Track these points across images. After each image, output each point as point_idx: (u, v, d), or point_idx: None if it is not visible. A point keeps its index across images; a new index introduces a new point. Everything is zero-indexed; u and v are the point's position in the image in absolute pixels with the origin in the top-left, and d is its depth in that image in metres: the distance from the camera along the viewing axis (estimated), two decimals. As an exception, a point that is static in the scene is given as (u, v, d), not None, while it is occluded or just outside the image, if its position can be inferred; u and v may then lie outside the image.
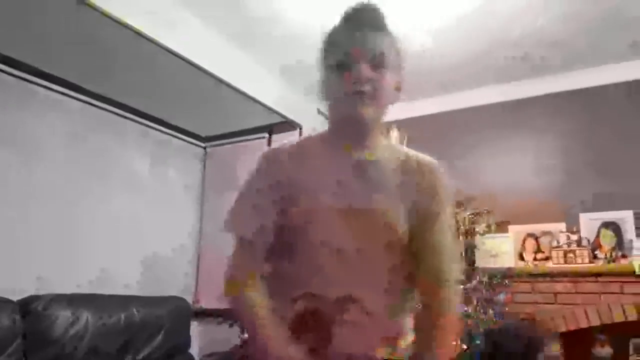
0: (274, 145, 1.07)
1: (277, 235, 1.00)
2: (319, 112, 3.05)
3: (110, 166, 3.31)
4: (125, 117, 3.45)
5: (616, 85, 3.17)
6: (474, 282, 2.55)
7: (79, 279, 2.90)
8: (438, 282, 1.02)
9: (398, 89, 1.02)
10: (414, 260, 1.01)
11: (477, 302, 2.53)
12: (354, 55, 0.95)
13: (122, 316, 2.80)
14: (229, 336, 3.04)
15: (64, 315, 2.53)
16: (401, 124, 2.72)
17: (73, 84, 3.08)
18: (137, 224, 3.42)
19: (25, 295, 2.51)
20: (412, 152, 1.09)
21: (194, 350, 3.26)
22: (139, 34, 2.41)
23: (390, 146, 1.09)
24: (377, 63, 0.96)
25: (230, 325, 3.04)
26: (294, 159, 1.02)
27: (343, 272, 0.94)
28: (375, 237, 0.97)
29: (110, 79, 3.11)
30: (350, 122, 0.99)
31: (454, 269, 1.04)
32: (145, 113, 3.59)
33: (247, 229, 1.00)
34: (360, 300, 0.94)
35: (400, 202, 0.99)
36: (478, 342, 2.40)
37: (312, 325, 0.93)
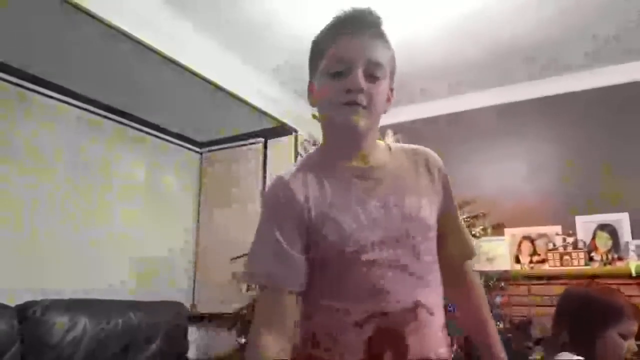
0: (282, 173, 1.00)
1: (309, 268, 0.94)
2: (314, 117, 3.06)
3: (107, 172, 3.32)
4: (122, 123, 3.47)
5: (609, 89, 3.20)
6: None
7: (77, 284, 2.90)
8: (465, 256, 1.12)
9: (389, 99, 1.00)
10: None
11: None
12: (350, 64, 0.91)
13: (120, 321, 2.80)
14: (227, 341, 3.04)
15: (61, 321, 2.54)
16: (396, 128, 2.73)
17: (69, 91, 3.10)
18: (135, 229, 3.43)
19: (23, 300, 2.52)
20: (406, 146, 1.09)
21: (191, 355, 3.26)
22: (133, 39, 2.43)
23: (388, 147, 1.06)
24: (373, 73, 0.92)
25: (228, 330, 3.05)
26: (304, 186, 0.96)
27: (399, 283, 0.92)
28: (414, 238, 0.95)
29: (106, 86, 3.13)
30: (345, 132, 0.95)
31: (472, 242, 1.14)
32: (141, 119, 3.61)
33: (270, 276, 0.92)
34: (424, 304, 0.93)
35: (422, 196, 0.99)
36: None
37: (388, 342, 0.90)
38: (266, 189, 1.01)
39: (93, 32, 2.43)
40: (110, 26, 2.31)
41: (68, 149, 3.08)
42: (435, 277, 0.98)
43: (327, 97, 0.94)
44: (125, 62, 2.82)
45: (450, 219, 1.06)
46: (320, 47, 0.97)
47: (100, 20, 2.26)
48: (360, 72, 0.90)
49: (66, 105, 3.09)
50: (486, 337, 1.09)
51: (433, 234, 0.99)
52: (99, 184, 3.25)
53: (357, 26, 0.93)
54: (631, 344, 1.41)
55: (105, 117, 3.33)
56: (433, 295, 0.96)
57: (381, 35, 0.96)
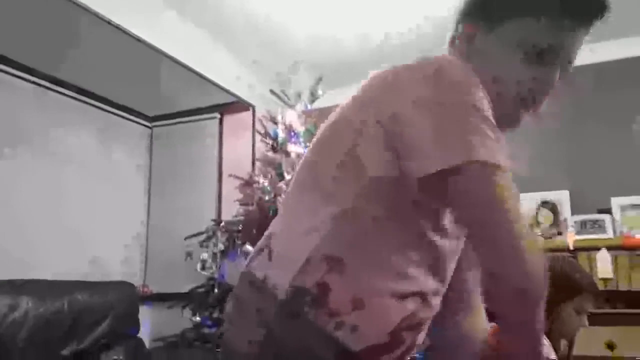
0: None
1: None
2: (272, 92, 3.01)
3: (53, 148, 3.15)
4: (68, 96, 3.29)
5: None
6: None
7: (21, 263, 2.76)
8: None
9: None
10: None
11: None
12: (557, 59, 0.80)
13: (66, 302, 2.70)
14: (180, 320, 3.00)
15: (2, 301, 2.42)
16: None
17: (12, 61, 2.90)
18: (82, 207, 3.28)
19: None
20: None
21: (144, 335, 3.19)
22: (81, 7, 2.29)
23: None
24: (559, 75, 0.82)
25: (182, 309, 3.01)
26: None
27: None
28: None
29: (51, 56, 2.94)
30: (501, 120, 0.76)
31: None
32: (88, 91, 3.42)
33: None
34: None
35: None
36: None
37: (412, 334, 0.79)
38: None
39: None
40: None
41: (10, 123, 2.88)
42: None
43: (510, 73, 0.80)
44: (71, 32, 2.65)
45: None
46: (538, 9, 0.78)
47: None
48: (558, 70, 0.80)
49: (8, 75, 2.88)
50: None
51: None
52: (45, 160, 3.07)
53: (588, 21, 0.79)
54: (583, 319, 1.44)
55: (50, 89, 3.14)
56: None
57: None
